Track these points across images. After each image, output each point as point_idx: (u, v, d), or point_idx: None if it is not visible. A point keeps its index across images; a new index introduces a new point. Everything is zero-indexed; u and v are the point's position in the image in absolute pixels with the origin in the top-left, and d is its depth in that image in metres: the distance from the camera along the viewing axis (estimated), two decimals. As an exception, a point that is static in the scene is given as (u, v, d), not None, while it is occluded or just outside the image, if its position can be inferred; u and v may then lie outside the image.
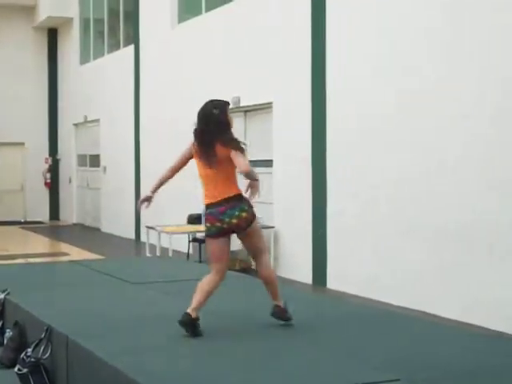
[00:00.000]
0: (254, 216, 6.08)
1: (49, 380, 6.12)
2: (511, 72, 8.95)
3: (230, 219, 5.98)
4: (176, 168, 6.37)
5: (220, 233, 6.05)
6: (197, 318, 5.92)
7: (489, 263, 9.18)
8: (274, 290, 6.31)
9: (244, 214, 6.00)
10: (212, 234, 6.09)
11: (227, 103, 6.17)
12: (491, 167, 9.19)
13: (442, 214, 9.88)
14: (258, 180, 6.00)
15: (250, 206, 6.04)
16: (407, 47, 10.49)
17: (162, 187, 6.46)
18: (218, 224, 6.00)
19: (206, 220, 6.14)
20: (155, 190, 6.45)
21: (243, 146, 5.99)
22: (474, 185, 9.42)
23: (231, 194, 6.00)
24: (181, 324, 5.89)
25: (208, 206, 6.09)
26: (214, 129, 5.97)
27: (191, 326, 5.89)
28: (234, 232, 6.09)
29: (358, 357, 5.42)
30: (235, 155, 5.87)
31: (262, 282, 6.35)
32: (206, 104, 6.12)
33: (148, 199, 6.49)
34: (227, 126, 6.03)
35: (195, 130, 6.09)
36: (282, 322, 6.29)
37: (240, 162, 5.83)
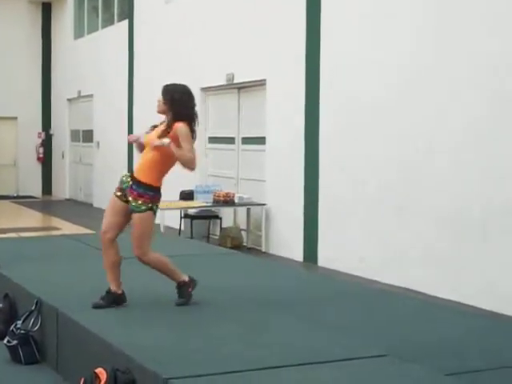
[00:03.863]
0: None
1: (38, 352, 6.17)
2: (507, 57, 8.95)
3: None
4: None
5: None
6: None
7: (480, 243, 9.22)
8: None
9: None
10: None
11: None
12: (483, 149, 9.20)
13: (432, 195, 9.91)
14: None
15: None
16: (402, 30, 10.47)
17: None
18: None
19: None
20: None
21: None
22: (465, 166, 9.44)
23: None
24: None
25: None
26: None
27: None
28: None
29: (346, 333, 5.47)
30: None
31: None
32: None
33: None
34: None
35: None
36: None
37: None
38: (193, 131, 6.06)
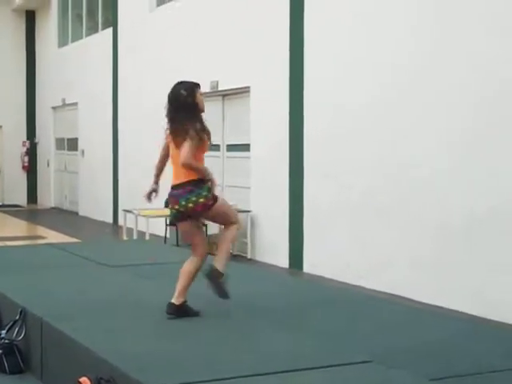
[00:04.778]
0: (213, 200, 6.02)
1: (22, 362, 6.15)
2: (491, 66, 9.00)
3: (186, 203, 5.96)
4: (162, 157, 6.33)
5: (179, 217, 6.07)
6: (182, 304, 5.97)
7: (465, 248, 9.24)
8: (220, 254, 6.21)
9: (201, 200, 5.96)
10: (173, 217, 6.17)
11: (196, 85, 6.17)
12: (469, 154, 9.23)
13: (418, 200, 9.93)
14: (209, 179, 6.04)
15: (209, 191, 5.99)
16: (387, 35, 10.49)
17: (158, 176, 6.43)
18: (176, 207, 6.03)
19: (170, 202, 6.12)
20: (157, 181, 6.38)
21: (200, 135, 5.96)
22: (450, 171, 9.46)
23: (191, 178, 5.97)
24: (169, 314, 5.95)
25: (172, 188, 6.09)
26: (181, 110, 5.99)
27: (180, 312, 5.95)
28: (190, 216, 6.04)
29: (331, 339, 5.47)
30: (184, 143, 5.91)
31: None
32: (175, 85, 6.15)
33: (154, 190, 6.37)
34: (195, 107, 6.04)
35: (167, 111, 6.10)
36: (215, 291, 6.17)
37: (182, 152, 5.88)
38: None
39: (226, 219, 6.18)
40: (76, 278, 7.78)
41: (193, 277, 6.09)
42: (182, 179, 5.97)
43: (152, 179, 6.39)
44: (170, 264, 8.77)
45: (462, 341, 5.56)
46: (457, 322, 6.55)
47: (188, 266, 6.13)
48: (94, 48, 21.13)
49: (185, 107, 6.00)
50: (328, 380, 4.55)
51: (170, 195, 6.05)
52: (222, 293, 6.11)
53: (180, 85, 6.14)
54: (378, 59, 10.59)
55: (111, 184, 19.63)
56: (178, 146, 5.97)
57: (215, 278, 6.08)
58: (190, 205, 5.94)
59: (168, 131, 6.12)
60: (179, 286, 6.02)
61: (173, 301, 5.98)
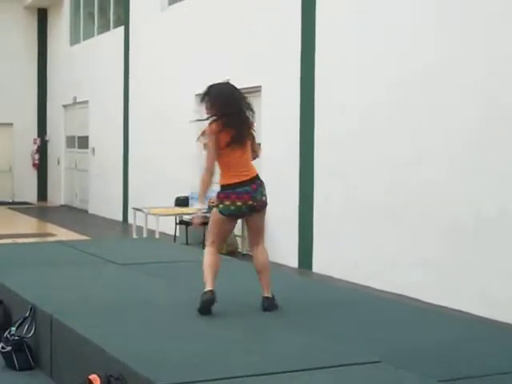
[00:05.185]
0: None
1: (32, 358, 6.16)
2: (501, 68, 8.99)
3: (261, 196, 6.18)
4: (214, 171, 6.25)
5: (246, 212, 6.18)
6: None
7: (473, 249, 9.23)
8: (266, 280, 6.39)
9: (266, 192, 6.26)
10: (240, 213, 6.19)
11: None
12: (477, 156, 9.22)
13: (425, 200, 9.92)
14: None
15: None
16: (397, 36, 10.49)
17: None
18: (250, 202, 6.11)
19: (237, 199, 6.10)
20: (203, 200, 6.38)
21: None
22: (458, 173, 9.45)
23: (256, 173, 6.20)
24: (206, 303, 5.99)
25: (239, 184, 6.09)
26: (247, 112, 6.17)
27: (212, 302, 6.02)
28: (256, 211, 6.22)
29: (340, 339, 5.47)
30: (255, 142, 6.29)
31: (256, 269, 6.43)
32: (233, 86, 6.21)
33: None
34: (250, 105, 6.25)
35: (230, 111, 6.08)
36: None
37: (259, 148, 6.41)
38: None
39: (264, 227, 6.50)
40: (86, 276, 7.80)
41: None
42: (251, 174, 6.15)
43: (200, 198, 6.32)
44: (180, 262, 8.82)
45: (470, 342, 5.55)
46: (465, 324, 6.55)
47: (214, 258, 6.25)
48: (106, 46, 21.18)
49: (245, 108, 6.16)
50: (337, 380, 4.55)
51: (242, 192, 6.09)
52: (275, 308, 6.34)
53: (228, 85, 6.26)
54: (388, 60, 10.58)
55: (121, 182, 19.67)
56: (243, 146, 6.13)
57: (273, 304, 6.31)
58: (263, 198, 6.21)
59: (227, 133, 6.06)
60: (212, 275, 6.14)
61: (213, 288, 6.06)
